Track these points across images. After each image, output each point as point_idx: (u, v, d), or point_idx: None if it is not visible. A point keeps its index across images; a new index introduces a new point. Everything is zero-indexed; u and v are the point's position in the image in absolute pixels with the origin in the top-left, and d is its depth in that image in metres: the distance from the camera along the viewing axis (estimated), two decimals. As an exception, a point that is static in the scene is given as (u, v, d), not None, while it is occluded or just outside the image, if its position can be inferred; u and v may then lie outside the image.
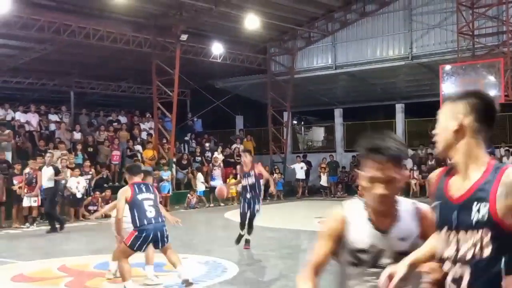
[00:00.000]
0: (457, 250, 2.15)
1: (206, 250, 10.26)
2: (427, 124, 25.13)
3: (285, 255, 10.00)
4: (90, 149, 19.35)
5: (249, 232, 10.06)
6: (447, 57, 20.09)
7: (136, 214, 6.77)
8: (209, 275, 8.06)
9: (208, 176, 21.27)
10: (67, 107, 22.50)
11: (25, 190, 14.59)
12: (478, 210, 2.11)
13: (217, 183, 20.49)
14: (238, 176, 11.04)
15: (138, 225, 6.72)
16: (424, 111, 23.74)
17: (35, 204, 14.80)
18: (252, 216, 9.97)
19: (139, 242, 6.74)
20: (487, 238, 2.08)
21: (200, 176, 20.47)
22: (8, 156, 17.21)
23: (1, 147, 17.00)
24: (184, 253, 9.94)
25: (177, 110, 20.93)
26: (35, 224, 14.76)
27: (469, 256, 2.11)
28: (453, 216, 2.18)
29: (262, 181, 10.47)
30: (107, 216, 16.31)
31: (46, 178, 14.26)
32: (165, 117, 22.03)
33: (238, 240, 10.06)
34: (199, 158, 22.36)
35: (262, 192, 10.57)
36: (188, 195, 19.55)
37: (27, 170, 14.83)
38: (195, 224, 15.85)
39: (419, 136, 25.19)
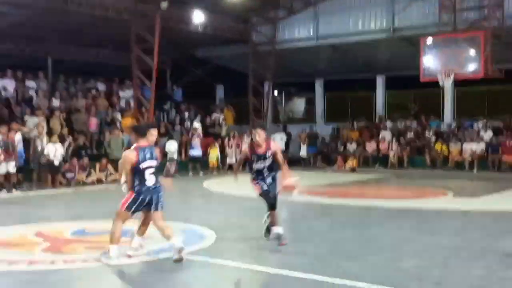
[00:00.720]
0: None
1: (184, 218, 10.25)
2: (407, 97, 25.34)
3: (262, 224, 10.03)
4: (68, 116, 19.13)
5: (267, 235, 7.93)
6: (428, 31, 20.10)
7: (135, 180, 6.84)
8: (186, 242, 8.06)
9: (187, 146, 21.20)
10: (44, 73, 22.15)
11: (1, 157, 14.41)
12: None
13: (196, 152, 20.49)
14: (240, 157, 9.28)
15: (135, 189, 6.82)
16: (405, 84, 23.88)
17: (13, 171, 14.67)
18: (275, 198, 7.88)
19: (135, 205, 6.85)
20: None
21: (173, 144, 19.88)
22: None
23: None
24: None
25: (156, 78, 20.72)
26: (19, 190, 14.67)
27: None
28: None
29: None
30: (84, 183, 16.36)
31: None
32: (145, 85, 21.81)
33: (267, 231, 7.97)
34: (178, 128, 22.25)
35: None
36: (167, 164, 19.47)
37: (0, 136, 14.61)
38: (173, 192, 15.82)
39: (399, 108, 25.37)
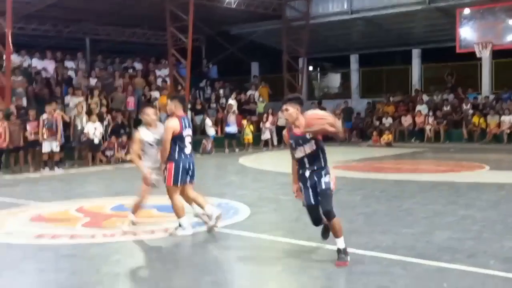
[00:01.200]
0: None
1: (219, 193, 10.45)
2: (444, 69, 24.94)
3: (297, 199, 10.16)
4: (106, 95, 19.51)
5: (325, 236, 6.18)
6: (465, 1, 19.69)
7: (177, 148, 6.98)
8: (222, 216, 8.25)
9: (223, 123, 21.41)
10: (82, 53, 22.57)
11: (45, 136, 14.86)
12: None
13: (232, 129, 20.69)
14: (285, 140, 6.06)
15: (176, 158, 6.97)
16: (441, 56, 23.48)
17: (57, 150, 15.12)
18: (326, 202, 5.69)
19: (180, 176, 6.99)
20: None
21: (208, 121, 20.41)
22: (24, 102, 17.44)
23: (17, 93, 17.20)
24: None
25: (192, 56, 20.91)
26: (61, 168, 15.12)
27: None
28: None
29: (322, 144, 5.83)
30: (123, 161, 16.73)
31: None
32: (180, 63, 22.04)
33: (324, 234, 6.22)
34: (214, 105, 22.44)
35: (327, 160, 5.88)
36: (204, 141, 19.74)
37: (45, 115, 15.05)
38: (209, 169, 16.09)
39: (435, 81, 24.98)
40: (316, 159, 5.73)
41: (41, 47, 21.93)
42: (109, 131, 17.66)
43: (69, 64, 21.29)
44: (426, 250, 6.13)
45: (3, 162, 15.22)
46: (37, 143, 15.07)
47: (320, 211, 5.73)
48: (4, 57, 16.91)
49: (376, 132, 22.39)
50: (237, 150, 20.16)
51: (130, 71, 22.27)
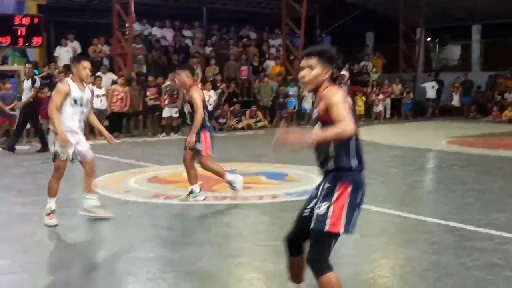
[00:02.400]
0: None
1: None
2: None
3: (408, 172, 9.96)
4: (220, 64, 19.95)
5: (292, 276, 3.86)
6: None
7: (206, 117, 7.33)
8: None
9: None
10: (199, 22, 23.15)
11: (166, 102, 15.59)
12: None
13: (344, 100, 20.43)
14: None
15: (208, 126, 7.38)
16: None
17: (176, 115, 15.79)
18: (314, 246, 3.43)
19: (212, 145, 7.35)
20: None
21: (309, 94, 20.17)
22: (144, 69, 18.26)
23: (137, 60, 18.02)
24: (307, 165, 10.25)
25: (305, 26, 20.81)
26: (177, 134, 15.77)
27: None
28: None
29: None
30: (235, 129, 17.09)
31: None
32: (294, 33, 22.01)
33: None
34: (326, 75, 22.24)
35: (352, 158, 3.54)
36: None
37: (167, 82, 15.73)
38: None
39: None
40: (323, 153, 3.46)
41: (160, 16, 22.72)
42: (222, 99, 18.10)
43: (187, 32, 21.94)
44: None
45: (124, 126, 16.12)
46: (156, 109, 15.81)
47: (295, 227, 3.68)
48: (127, 25, 17.74)
49: (497, 108, 21.24)
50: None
51: (245, 40, 22.56)
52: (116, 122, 15.69)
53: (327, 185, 3.39)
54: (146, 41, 19.60)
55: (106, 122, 14.76)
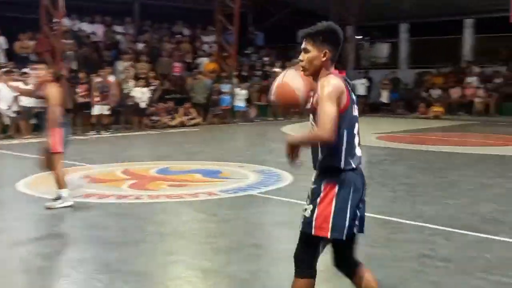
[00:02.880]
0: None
1: (261, 160, 10.53)
2: (497, 40, 24.15)
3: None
4: (153, 61, 19.69)
5: None
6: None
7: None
8: (264, 182, 8.35)
9: (268, 91, 21.36)
10: (131, 18, 22.77)
11: (96, 99, 15.24)
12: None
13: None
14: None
15: (64, 122, 7.03)
16: (494, 27, 22.72)
17: (107, 113, 15.47)
18: (298, 243, 3.30)
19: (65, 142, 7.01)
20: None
21: (240, 91, 19.62)
22: (74, 66, 17.79)
23: (67, 56, 17.55)
24: (241, 162, 10.31)
25: (238, 23, 20.83)
26: (108, 132, 15.46)
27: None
28: None
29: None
30: (168, 126, 16.94)
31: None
32: (227, 30, 22.01)
33: None
34: (259, 72, 22.38)
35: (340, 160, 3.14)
36: (248, 109, 19.77)
37: (98, 79, 15.40)
38: (252, 136, 16.18)
39: (487, 53, 24.24)
40: (314, 152, 3.21)
41: (91, 11, 22.19)
42: (156, 96, 17.87)
43: (118, 28, 21.54)
44: (470, 221, 6.08)
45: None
46: (86, 106, 15.45)
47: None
48: (56, 20, 17.23)
49: (424, 104, 21.99)
50: (281, 118, 20.15)
51: (178, 36, 22.37)
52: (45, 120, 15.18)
53: (313, 186, 3.19)
54: (75, 36, 19.10)
55: (35, 120, 14.27)
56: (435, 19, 24.59)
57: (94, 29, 20.49)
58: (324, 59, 3.10)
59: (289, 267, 4.63)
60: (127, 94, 16.66)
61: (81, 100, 15.63)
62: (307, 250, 3.19)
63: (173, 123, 17.41)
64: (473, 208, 6.73)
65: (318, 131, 2.97)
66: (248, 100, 20.46)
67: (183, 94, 19.70)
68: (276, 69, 21.78)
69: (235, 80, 19.86)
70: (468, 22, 24.21)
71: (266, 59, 23.53)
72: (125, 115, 16.94)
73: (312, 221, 3.10)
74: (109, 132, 15.49)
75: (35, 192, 7.66)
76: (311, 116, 3.14)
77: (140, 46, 20.49)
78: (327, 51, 3.09)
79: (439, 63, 24.27)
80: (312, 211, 3.11)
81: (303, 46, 3.15)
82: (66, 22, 18.67)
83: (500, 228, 5.80)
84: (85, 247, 5.35)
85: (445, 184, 8.36)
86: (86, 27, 20.44)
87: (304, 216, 3.17)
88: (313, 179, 3.24)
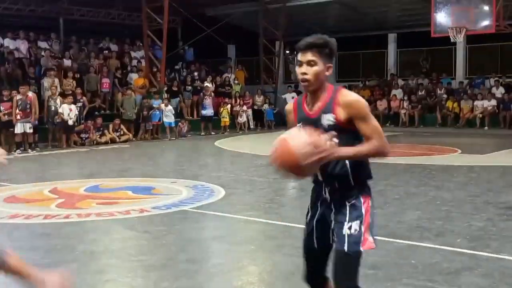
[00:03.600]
0: None
1: (194, 175, 10.51)
2: (419, 54, 25.18)
3: (272, 181, 10.26)
4: (80, 77, 19.31)
5: None
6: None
7: None
8: (197, 197, 8.34)
9: (199, 106, 21.37)
10: (56, 34, 22.26)
11: (18, 117, 14.75)
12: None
13: (208, 112, 20.65)
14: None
15: None
16: (416, 41, 23.70)
17: (30, 131, 14.99)
18: (345, 271, 2.99)
19: None
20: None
21: (169, 108, 19.03)
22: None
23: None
24: (173, 178, 10.25)
25: (167, 38, 20.75)
26: (34, 150, 15.01)
27: None
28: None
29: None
30: (98, 143, 16.62)
31: None
32: (156, 45, 21.88)
33: None
34: (190, 88, 22.35)
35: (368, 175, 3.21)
36: (179, 123, 19.69)
37: (19, 96, 14.92)
38: (185, 151, 16.11)
39: (411, 66, 25.23)
40: (340, 169, 3.01)
41: (13, 27, 21.55)
42: (84, 113, 17.52)
43: (43, 44, 21.00)
44: (397, 229, 6.28)
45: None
46: (10, 124, 14.93)
47: (325, 267, 3.21)
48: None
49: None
50: (213, 133, 20.17)
51: (105, 52, 22.04)
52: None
53: (339, 205, 3.00)
54: (-2, 52, 18.50)
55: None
56: (361, 34, 25.40)
57: (18, 45, 19.90)
58: (328, 72, 2.98)
59: (224, 282, 4.66)
60: (54, 111, 16.23)
61: (4, 118, 15.08)
62: (355, 270, 2.97)
63: (103, 140, 17.08)
64: (400, 216, 6.96)
65: (379, 147, 2.95)
66: (180, 115, 20.36)
67: (113, 110, 19.41)
68: (207, 84, 21.86)
69: (164, 96, 19.73)
70: (392, 37, 25.11)
71: (196, 74, 23.52)
72: (53, 133, 16.48)
73: (361, 236, 2.96)
74: (35, 151, 15.04)
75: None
76: (330, 132, 2.86)
77: (67, 62, 20.05)
78: (330, 64, 2.99)
79: (365, 77, 25.02)
80: (360, 227, 2.98)
81: (308, 58, 2.93)
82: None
83: (425, 235, 6.02)
84: (11, 270, 5.16)
85: (373, 194, 8.57)
86: (9, 43, 19.83)
87: (348, 234, 2.95)
88: (330, 190, 3.07)
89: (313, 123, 2.95)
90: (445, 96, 22.13)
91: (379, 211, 7.20)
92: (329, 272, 3.13)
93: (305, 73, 2.93)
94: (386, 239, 5.82)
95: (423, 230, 6.21)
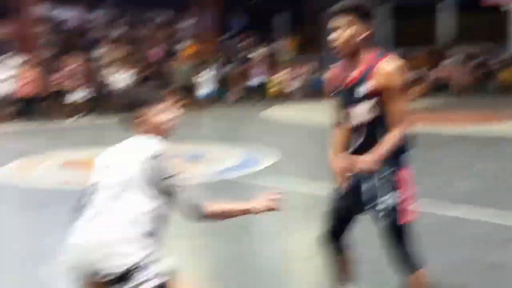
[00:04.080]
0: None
1: (241, 143, 10.55)
2: (475, 20, 24.29)
3: (320, 149, 10.19)
4: (131, 46, 19.52)
5: (342, 278, 3.28)
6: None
7: None
8: (245, 165, 8.37)
9: (248, 74, 21.34)
10: (108, 4, 22.48)
11: (71, 86, 15.13)
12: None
13: (257, 80, 20.58)
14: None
15: None
16: (472, 7, 22.87)
17: (82, 100, 15.35)
18: (398, 242, 2.96)
19: None
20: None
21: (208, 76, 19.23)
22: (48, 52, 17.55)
23: (41, 43, 17.30)
24: (222, 145, 10.32)
25: (217, 7, 20.69)
26: (84, 117, 15.39)
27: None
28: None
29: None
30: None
31: None
32: (205, 14, 21.85)
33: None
34: (239, 57, 22.29)
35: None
36: (228, 92, 19.69)
37: (73, 65, 15.26)
38: (232, 120, 16.16)
39: (466, 33, 24.40)
40: (373, 134, 2.89)
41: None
42: (135, 81, 17.72)
43: (94, 15, 21.27)
44: (445, 198, 6.14)
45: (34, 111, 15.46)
46: (62, 93, 15.34)
47: (346, 225, 3.21)
48: (29, 6, 16.94)
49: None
50: (262, 101, 20.11)
51: (156, 21, 22.18)
52: (26, 108, 15.06)
53: (387, 172, 2.87)
54: (50, 23, 18.85)
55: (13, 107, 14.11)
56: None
57: (69, 15, 20.24)
58: (364, 36, 2.81)
59: (274, 246, 4.66)
60: (107, 80, 16.51)
61: (57, 87, 15.43)
62: (408, 240, 2.97)
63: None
64: (451, 185, 6.83)
65: (401, 130, 2.83)
66: (227, 84, 20.36)
67: (163, 80, 19.58)
68: (256, 53, 21.78)
69: (214, 65, 19.75)
70: (446, 2, 24.36)
71: (245, 43, 23.43)
72: (105, 102, 16.77)
73: (399, 210, 2.90)
74: (87, 118, 15.37)
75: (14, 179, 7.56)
76: (363, 104, 2.85)
77: (118, 32, 20.28)
78: (366, 28, 2.81)
79: (418, 44, 24.34)
80: (399, 198, 2.90)
81: (337, 23, 2.81)
82: (40, 8, 18.41)
83: (471, 206, 5.89)
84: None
85: (422, 163, 8.40)
86: (62, 13, 20.18)
87: (392, 205, 2.89)
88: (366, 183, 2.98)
89: (348, 91, 2.89)
90: (502, 64, 21.37)
91: (428, 180, 7.08)
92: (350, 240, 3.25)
93: (335, 39, 2.83)
94: (434, 210, 5.72)
95: (471, 202, 6.06)
